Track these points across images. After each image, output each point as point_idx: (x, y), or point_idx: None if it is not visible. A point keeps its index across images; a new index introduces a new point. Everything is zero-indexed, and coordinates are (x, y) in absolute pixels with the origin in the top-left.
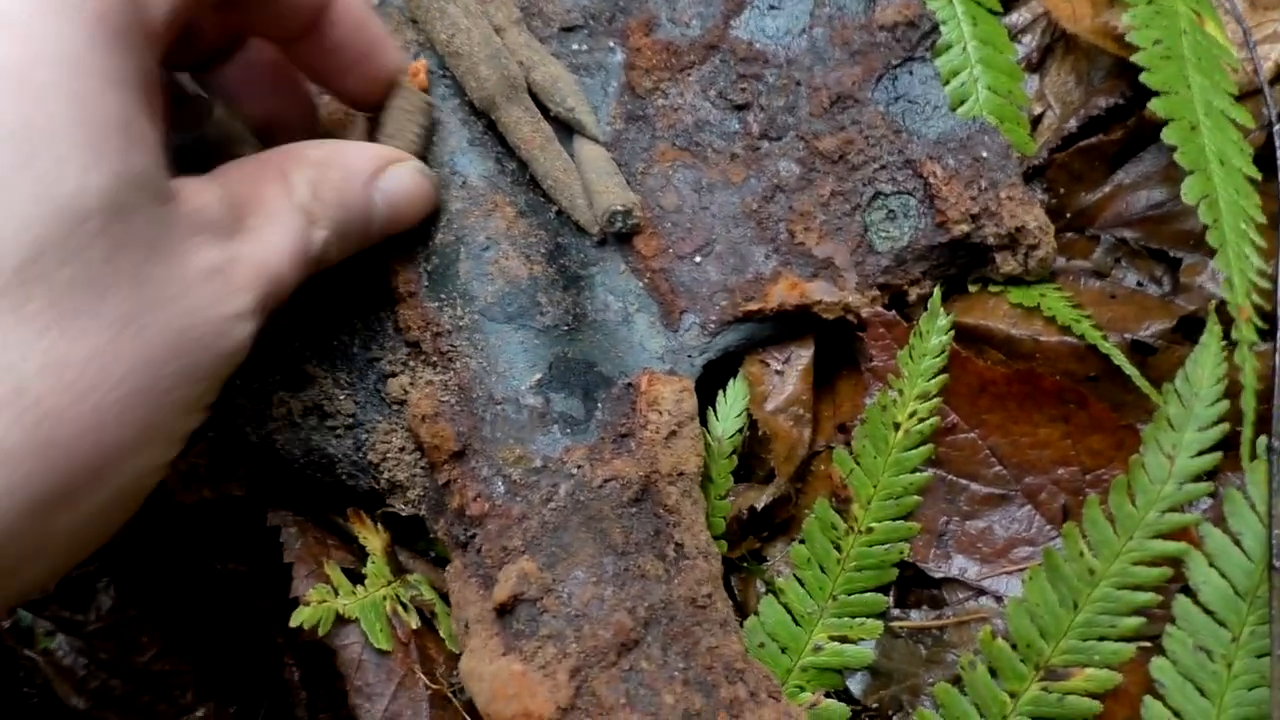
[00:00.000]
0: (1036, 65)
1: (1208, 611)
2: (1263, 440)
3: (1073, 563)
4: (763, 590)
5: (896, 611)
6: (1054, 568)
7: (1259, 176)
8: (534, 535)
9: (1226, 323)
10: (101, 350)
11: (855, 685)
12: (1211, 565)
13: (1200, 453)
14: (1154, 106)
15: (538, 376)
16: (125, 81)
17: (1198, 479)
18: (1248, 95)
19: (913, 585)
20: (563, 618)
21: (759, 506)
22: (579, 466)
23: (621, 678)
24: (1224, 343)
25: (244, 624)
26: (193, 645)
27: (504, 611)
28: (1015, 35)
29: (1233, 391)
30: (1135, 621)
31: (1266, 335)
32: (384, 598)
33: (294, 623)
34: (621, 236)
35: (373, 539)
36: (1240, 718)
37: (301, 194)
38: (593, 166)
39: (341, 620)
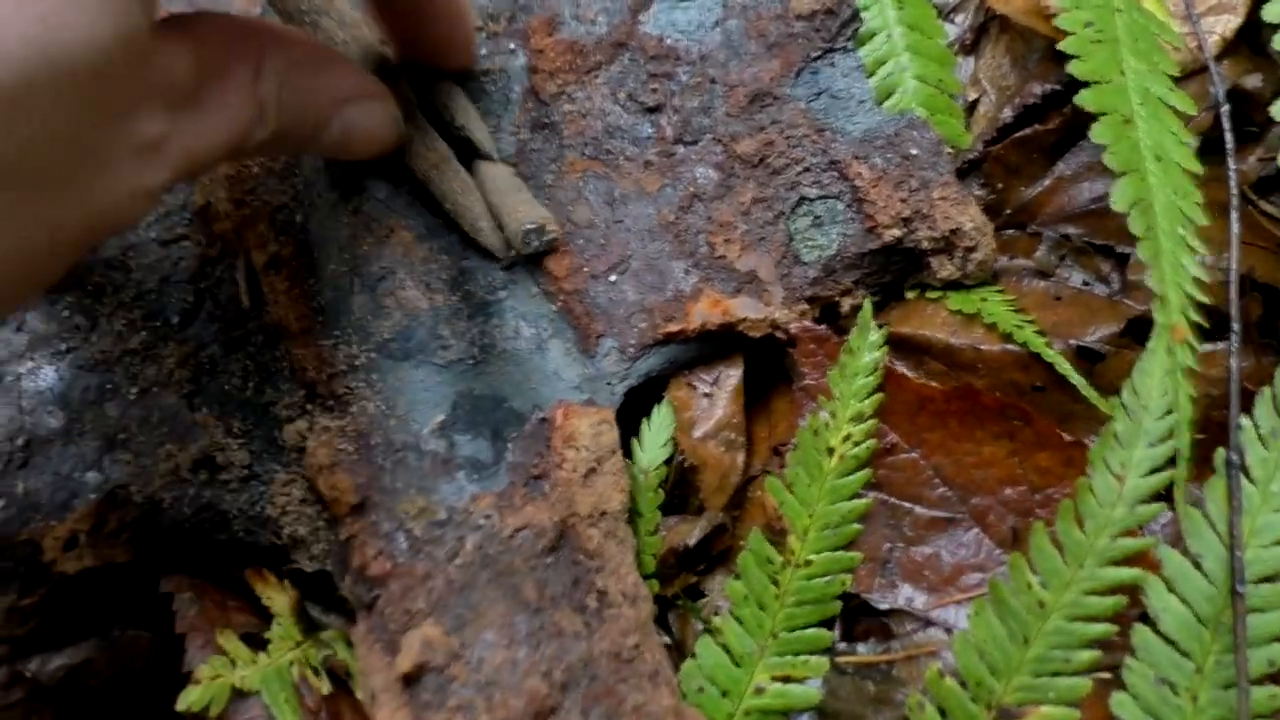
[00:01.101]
0: (971, 47)
1: (1169, 641)
2: (1221, 453)
3: (1020, 595)
4: (700, 629)
5: (843, 645)
6: (1001, 601)
7: (1200, 171)
8: (439, 596)
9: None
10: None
11: None
12: (1171, 591)
13: (1152, 471)
14: (1082, 100)
15: (440, 418)
16: None
17: (1151, 499)
18: (1192, 74)
19: (859, 615)
20: (472, 686)
21: (691, 543)
22: (487, 516)
23: None
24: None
25: (148, 694)
26: (85, 717)
27: (410, 681)
28: (946, 15)
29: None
30: (1091, 655)
31: (1220, 334)
32: (290, 663)
33: (181, 705)
34: (532, 257)
35: (278, 598)
36: None
37: (267, 87)
38: (496, 186)
39: (241, 694)
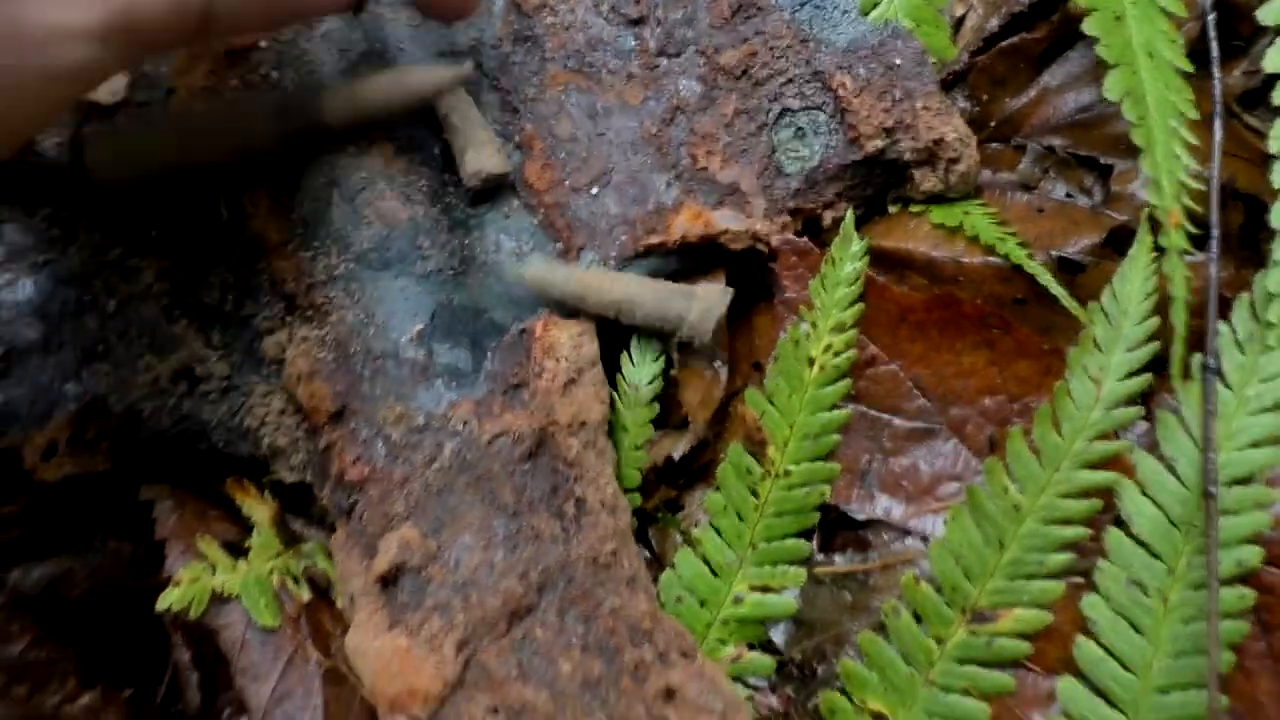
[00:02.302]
0: None
1: (1141, 543)
2: (1197, 358)
3: (996, 499)
4: (680, 541)
5: (820, 557)
6: (977, 506)
7: (1191, 69)
8: (417, 500)
9: (1159, 233)
10: None
11: (778, 636)
12: (1144, 494)
13: (1129, 374)
14: None
15: (419, 327)
16: None
17: (1127, 403)
18: None
19: (837, 528)
20: (449, 587)
21: (676, 456)
22: (465, 422)
23: (513, 648)
24: (1155, 255)
25: (129, 605)
26: (72, 631)
27: (387, 583)
28: None
29: (1165, 307)
30: (1064, 558)
31: (1201, 244)
32: (270, 571)
33: (161, 605)
34: (514, 169)
35: (258, 508)
36: (1177, 653)
37: None
38: (453, 122)
39: (221, 599)
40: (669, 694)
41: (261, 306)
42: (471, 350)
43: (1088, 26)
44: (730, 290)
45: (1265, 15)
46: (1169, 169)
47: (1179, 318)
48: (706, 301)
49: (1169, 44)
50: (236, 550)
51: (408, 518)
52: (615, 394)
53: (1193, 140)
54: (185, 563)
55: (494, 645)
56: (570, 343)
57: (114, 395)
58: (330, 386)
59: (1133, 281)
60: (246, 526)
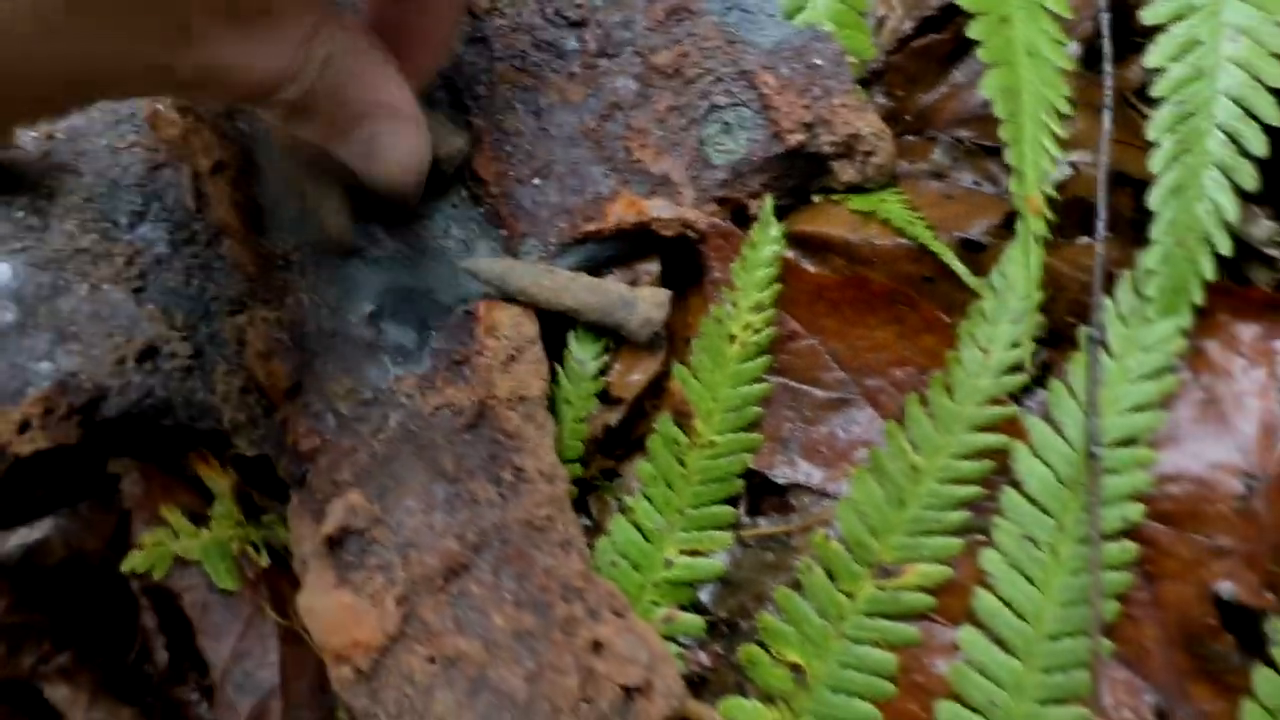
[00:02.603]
0: None
1: (1033, 501)
2: (1085, 330)
3: (897, 461)
4: (616, 509)
5: (746, 520)
6: (879, 468)
7: (1070, 66)
8: (364, 467)
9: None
10: None
11: (706, 596)
12: (1036, 456)
13: (1014, 344)
14: (963, 1)
15: (369, 308)
16: None
17: (1013, 370)
18: None
19: (762, 493)
20: (392, 547)
21: (612, 424)
22: (409, 395)
23: (450, 602)
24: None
25: (102, 573)
26: (47, 597)
27: (334, 545)
28: None
29: (1057, 284)
30: (961, 515)
31: (1083, 229)
32: (231, 539)
33: (125, 567)
34: (465, 162)
35: (219, 480)
36: (1067, 602)
37: (318, 50)
38: None
39: (184, 563)
40: (597, 646)
41: (224, 289)
42: (418, 330)
43: (972, 30)
44: (669, 293)
45: (1147, 16)
46: (1034, 159)
47: (1029, 298)
48: (646, 311)
49: (1051, 44)
50: (199, 519)
51: (355, 484)
52: (561, 370)
53: (1060, 133)
54: (150, 530)
55: (432, 600)
56: (511, 323)
57: (84, 373)
58: (286, 365)
59: (1016, 260)
60: (208, 497)
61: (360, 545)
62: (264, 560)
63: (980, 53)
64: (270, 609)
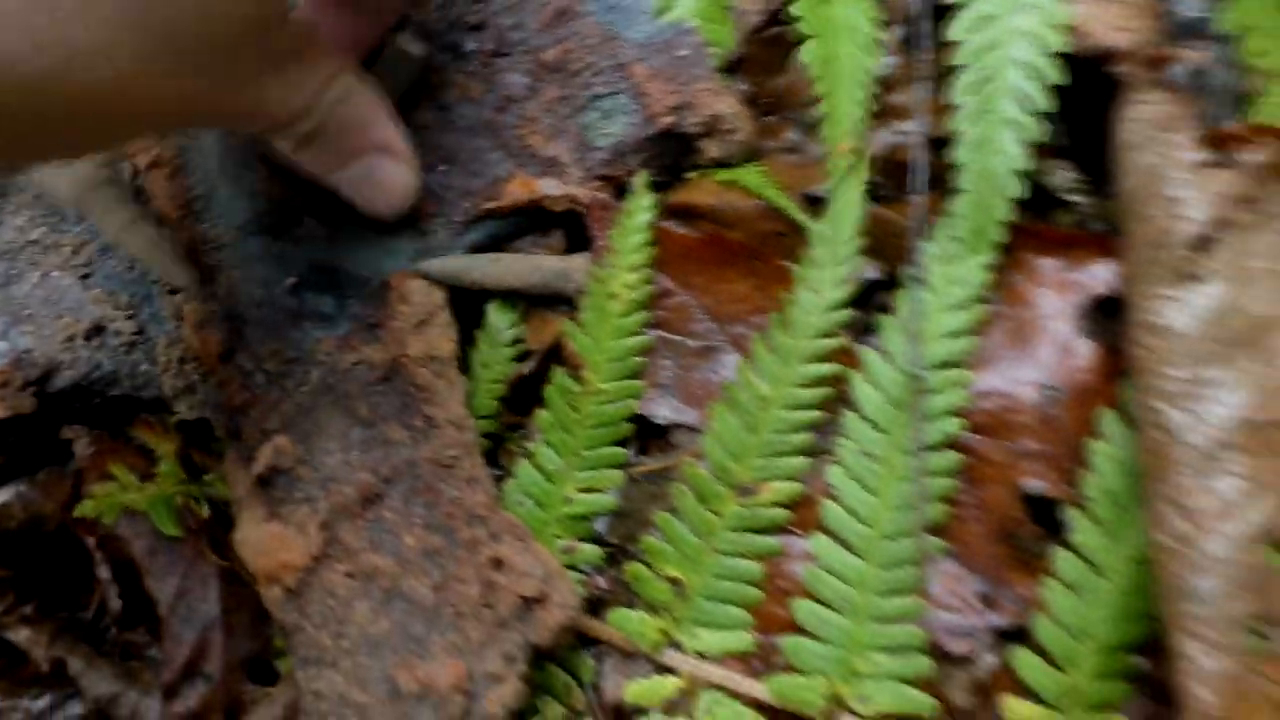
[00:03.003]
0: None
1: (869, 420)
2: (907, 270)
3: (747, 392)
4: (521, 455)
5: (635, 458)
6: (733, 399)
7: (883, 38)
8: (289, 416)
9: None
10: None
11: (601, 527)
12: (868, 382)
13: (840, 284)
14: None
15: (293, 280)
16: None
17: (840, 308)
18: None
19: (648, 434)
20: (314, 483)
21: (526, 373)
22: (329, 354)
23: (366, 526)
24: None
25: (58, 534)
26: (9, 556)
27: (264, 483)
28: None
29: (892, 235)
30: (806, 437)
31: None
32: (174, 493)
33: (78, 513)
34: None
35: (163, 443)
36: (900, 507)
37: (332, 93)
38: None
39: (132, 514)
40: (497, 563)
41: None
42: (337, 298)
43: (793, 8)
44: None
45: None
46: (847, 111)
47: (845, 221)
48: (579, 279)
49: (868, 21)
50: (146, 478)
51: (281, 431)
52: (480, 335)
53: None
54: (100, 485)
55: (350, 524)
56: (422, 291)
57: (37, 351)
58: (219, 334)
59: (844, 212)
60: (154, 460)
61: (287, 482)
62: (205, 511)
63: (800, 26)
64: (210, 553)
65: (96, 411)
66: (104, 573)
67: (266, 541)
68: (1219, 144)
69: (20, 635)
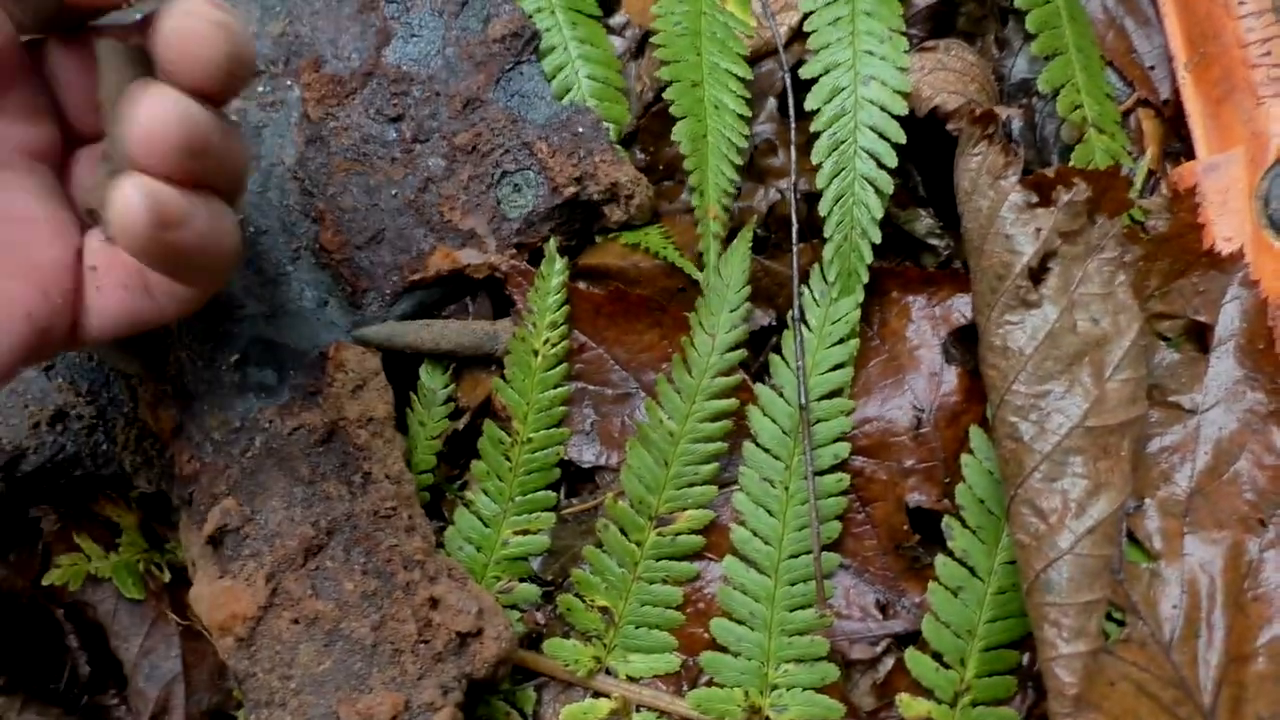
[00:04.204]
0: (636, 53)
1: (766, 450)
2: (790, 312)
3: (656, 429)
4: (459, 504)
5: (564, 500)
6: (645, 437)
7: (749, 114)
8: (235, 480)
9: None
10: None
11: (537, 566)
12: (764, 414)
13: (732, 328)
14: (661, 72)
15: (236, 356)
16: None
17: (735, 349)
18: (768, 54)
19: (575, 477)
20: (260, 539)
21: (460, 428)
22: (271, 421)
23: (309, 576)
24: (751, 244)
25: (28, 609)
26: None
27: (214, 542)
28: (620, 31)
29: (777, 282)
30: (713, 467)
31: (785, 238)
32: (136, 560)
33: (45, 581)
34: (312, 238)
35: (125, 516)
36: (799, 527)
37: None
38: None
39: (96, 581)
40: (433, 602)
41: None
42: (278, 371)
43: (669, 93)
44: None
45: (804, 71)
46: (715, 181)
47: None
48: (506, 339)
49: (734, 97)
50: (110, 548)
51: (229, 494)
52: (414, 397)
53: (738, 162)
54: (67, 555)
55: (294, 575)
56: (357, 359)
57: (4, 438)
58: (170, 410)
59: (733, 262)
60: (117, 531)
61: (235, 540)
62: (165, 576)
63: (672, 109)
64: (171, 613)
65: (62, 490)
66: (72, 640)
67: (218, 596)
68: (1041, 187)
69: None
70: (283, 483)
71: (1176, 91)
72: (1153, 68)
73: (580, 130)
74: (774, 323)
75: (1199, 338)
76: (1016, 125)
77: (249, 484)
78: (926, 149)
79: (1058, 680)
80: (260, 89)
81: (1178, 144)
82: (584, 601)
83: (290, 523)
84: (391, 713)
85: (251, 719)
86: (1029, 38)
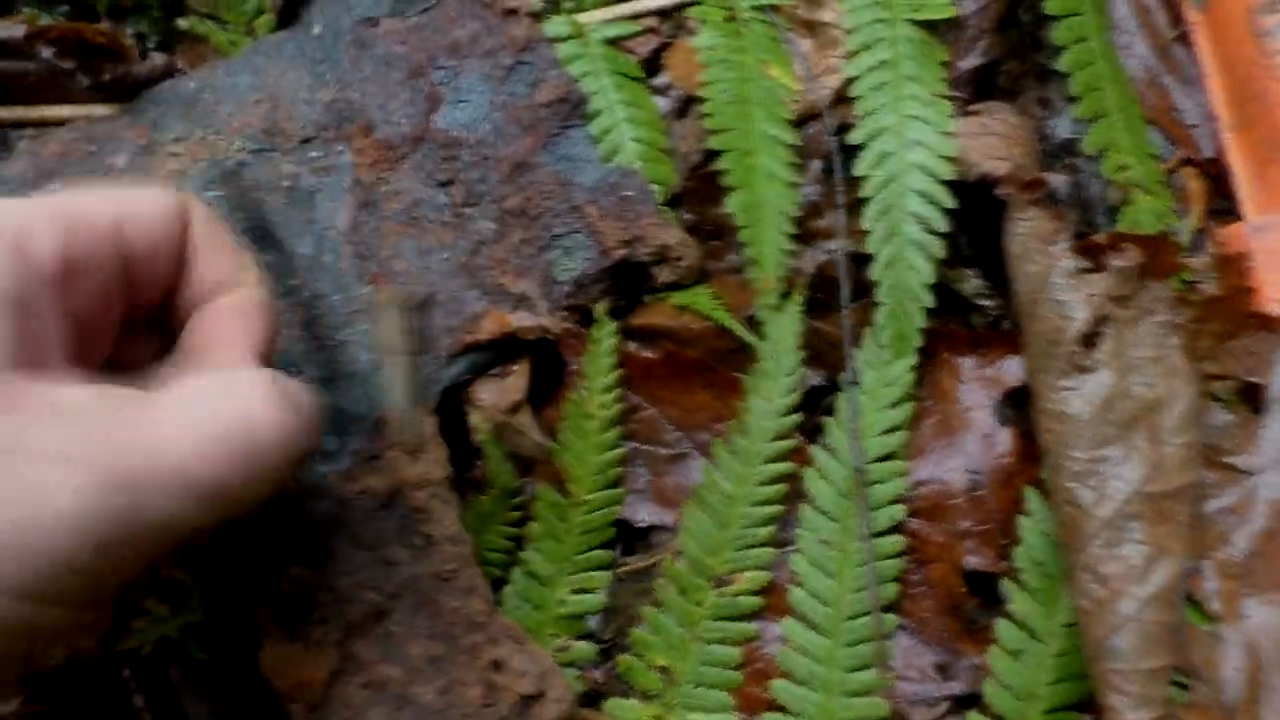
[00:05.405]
0: (680, 113)
1: (823, 512)
2: (843, 375)
3: (713, 492)
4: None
5: (621, 559)
6: (702, 499)
7: (799, 180)
8: (302, 545)
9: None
10: None
11: (594, 624)
12: (820, 476)
13: (788, 392)
14: (712, 141)
15: None
16: None
17: (788, 414)
18: (813, 117)
19: (630, 536)
20: (328, 604)
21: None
22: (334, 487)
23: (376, 640)
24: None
25: (94, 669)
26: (51, 693)
27: (283, 608)
28: (664, 91)
29: (828, 344)
30: (770, 530)
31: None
32: (205, 621)
33: (121, 646)
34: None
35: (189, 579)
36: (857, 589)
37: None
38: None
39: (167, 642)
40: (496, 664)
41: None
42: (339, 437)
43: (720, 162)
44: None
45: (853, 137)
46: (770, 251)
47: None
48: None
49: (783, 165)
50: (177, 609)
51: (297, 560)
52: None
53: (791, 230)
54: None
55: (362, 640)
56: (414, 422)
57: None
58: None
59: (784, 326)
60: (185, 592)
61: (305, 605)
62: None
63: (725, 179)
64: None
65: None
66: (138, 700)
67: (289, 660)
68: (1091, 252)
69: None
70: (347, 548)
71: (1220, 150)
72: (1195, 126)
73: (628, 193)
74: (824, 383)
75: (1252, 398)
76: (1062, 186)
77: (316, 550)
78: (971, 208)
79: None
80: (313, 154)
81: (1223, 201)
82: (643, 661)
83: (356, 588)
84: None
85: None
86: (1071, 99)
